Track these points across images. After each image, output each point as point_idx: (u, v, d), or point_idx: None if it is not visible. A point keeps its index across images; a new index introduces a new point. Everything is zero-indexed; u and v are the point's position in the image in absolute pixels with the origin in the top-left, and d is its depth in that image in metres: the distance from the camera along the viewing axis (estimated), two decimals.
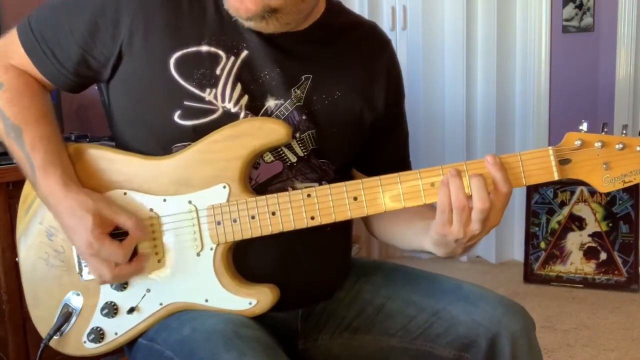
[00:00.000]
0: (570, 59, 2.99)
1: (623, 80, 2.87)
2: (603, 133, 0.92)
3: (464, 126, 3.13)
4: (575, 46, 2.97)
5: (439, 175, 0.92)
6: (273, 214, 0.95)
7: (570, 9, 2.94)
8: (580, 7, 2.92)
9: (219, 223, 0.96)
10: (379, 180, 0.94)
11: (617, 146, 0.90)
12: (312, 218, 0.95)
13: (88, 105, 2.49)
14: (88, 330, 1.00)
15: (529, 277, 2.93)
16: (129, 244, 0.95)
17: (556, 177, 0.91)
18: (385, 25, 3.16)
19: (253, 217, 0.95)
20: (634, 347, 2.27)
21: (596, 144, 0.91)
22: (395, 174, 0.94)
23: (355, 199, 0.94)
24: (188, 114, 0.97)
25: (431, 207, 0.95)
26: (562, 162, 0.92)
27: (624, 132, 0.91)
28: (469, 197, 0.89)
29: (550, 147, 0.92)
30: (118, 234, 0.96)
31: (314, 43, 1.04)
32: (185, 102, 0.97)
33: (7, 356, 1.80)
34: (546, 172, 0.91)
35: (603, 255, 2.83)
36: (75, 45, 0.99)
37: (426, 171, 0.93)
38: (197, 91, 0.97)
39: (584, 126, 0.93)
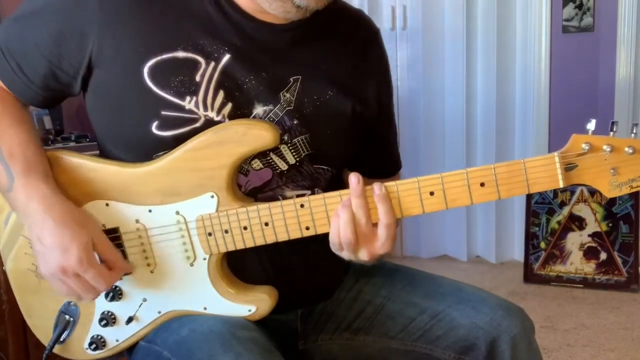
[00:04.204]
0: (570, 59, 2.99)
1: (623, 80, 2.87)
2: (611, 133, 0.87)
3: (464, 126, 3.13)
4: (575, 46, 2.97)
5: (439, 184, 0.88)
6: (266, 224, 0.92)
7: (570, 9, 2.94)
8: (580, 7, 2.92)
9: (210, 234, 0.93)
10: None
11: (626, 150, 0.85)
12: (307, 228, 0.92)
13: None
14: (89, 338, 1.00)
15: (529, 277, 2.93)
16: (115, 277, 0.92)
17: (561, 185, 0.87)
18: (385, 25, 3.16)
19: (245, 228, 0.92)
20: (634, 347, 2.27)
21: (604, 148, 0.86)
22: (393, 182, 0.90)
23: None
24: (166, 124, 0.92)
25: None
26: (568, 168, 0.87)
27: (634, 132, 0.87)
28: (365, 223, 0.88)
29: (556, 154, 0.87)
30: None
31: (301, 40, 0.99)
32: (163, 112, 0.92)
33: (7, 356, 1.80)
34: (551, 179, 0.87)
35: (603, 255, 2.83)
36: (42, 57, 0.94)
37: (425, 180, 0.89)
38: (175, 100, 0.92)
39: (592, 125, 0.87)
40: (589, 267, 2.85)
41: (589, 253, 2.86)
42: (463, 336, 1.01)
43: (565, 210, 2.89)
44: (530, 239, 2.94)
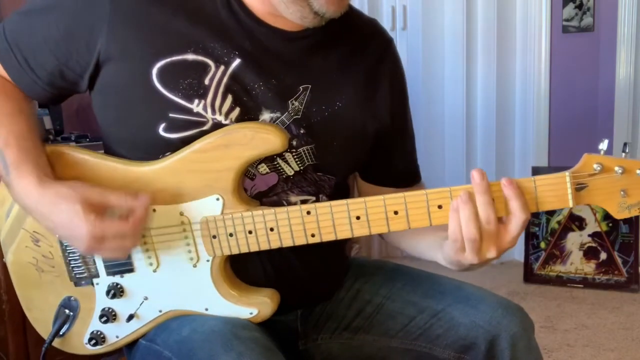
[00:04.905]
0: (570, 59, 2.99)
1: (623, 80, 2.87)
2: (623, 155, 0.86)
3: (464, 127, 3.13)
4: (575, 46, 2.97)
5: (447, 198, 0.87)
6: (271, 229, 0.91)
7: (570, 9, 2.94)
8: (580, 7, 2.92)
9: (214, 237, 0.92)
10: (383, 199, 0.89)
11: (638, 172, 0.85)
12: (313, 235, 0.91)
13: (88, 105, 2.49)
14: (88, 333, 1.00)
15: (529, 277, 2.93)
16: (136, 221, 0.87)
17: (571, 205, 0.86)
18: (385, 25, 3.14)
19: (250, 232, 0.92)
20: (634, 347, 2.27)
21: (616, 169, 0.85)
22: (401, 194, 0.89)
23: (357, 218, 0.90)
24: (174, 126, 0.92)
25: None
26: (578, 188, 0.86)
27: None
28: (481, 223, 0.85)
29: (567, 173, 0.86)
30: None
31: (312, 49, 0.98)
32: (171, 114, 0.91)
33: (7, 356, 1.80)
34: (561, 199, 0.86)
35: (603, 255, 2.83)
36: (50, 54, 0.94)
37: (434, 192, 0.88)
38: (183, 102, 0.91)
39: (604, 145, 0.86)
40: (589, 267, 2.86)
41: (589, 253, 2.86)
42: (463, 335, 1.01)
43: (565, 210, 2.89)
44: (530, 239, 2.94)
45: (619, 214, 0.87)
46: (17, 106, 0.96)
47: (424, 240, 1.02)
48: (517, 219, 0.85)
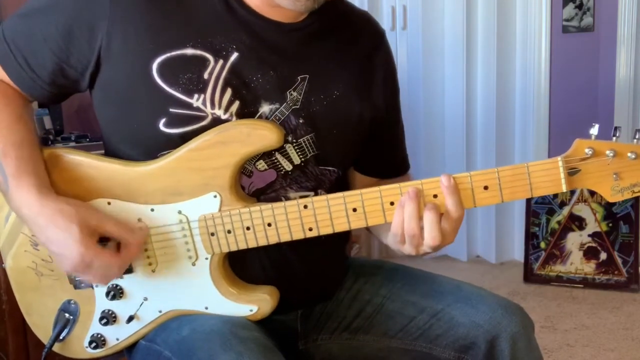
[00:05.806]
0: (570, 59, 2.99)
1: (623, 80, 2.87)
2: (614, 139, 0.87)
3: (464, 126, 3.13)
4: (575, 46, 2.97)
5: (440, 187, 0.88)
6: (269, 225, 0.92)
7: (570, 9, 2.94)
8: (580, 7, 2.92)
9: (212, 234, 0.93)
10: (379, 191, 0.90)
11: (629, 155, 0.86)
12: (310, 229, 0.92)
13: (88, 105, 2.49)
14: (89, 337, 0.99)
15: (529, 277, 2.93)
16: (126, 256, 0.90)
17: (564, 190, 0.88)
18: (385, 25, 3.15)
19: (248, 228, 0.92)
20: (634, 347, 2.27)
21: (607, 153, 0.86)
22: (397, 185, 0.90)
23: (354, 210, 0.91)
24: (174, 121, 0.92)
25: None
26: (571, 172, 0.88)
27: (636, 137, 0.87)
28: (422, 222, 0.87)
29: (559, 158, 0.87)
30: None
31: (308, 40, 0.99)
32: (171, 109, 0.92)
33: (7, 356, 1.80)
34: (554, 184, 0.88)
35: (603, 255, 2.83)
36: (50, 53, 0.94)
37: (429, 182, 0.89)
38: (183, 97, 0.92)
39: (595, 130, 0.88)
40: (589, 267, 2.85)
41: (589, 253, 2.86)
42: (462, 335, 1.01)
43: (565, 210, 2.89)
44: (530, 239, 2.94)
45: (612, 197, 0.89)
46: (16, 113, 0.96)
47: (379, 227, 1.03)
48: (450, 216, 0.88)
